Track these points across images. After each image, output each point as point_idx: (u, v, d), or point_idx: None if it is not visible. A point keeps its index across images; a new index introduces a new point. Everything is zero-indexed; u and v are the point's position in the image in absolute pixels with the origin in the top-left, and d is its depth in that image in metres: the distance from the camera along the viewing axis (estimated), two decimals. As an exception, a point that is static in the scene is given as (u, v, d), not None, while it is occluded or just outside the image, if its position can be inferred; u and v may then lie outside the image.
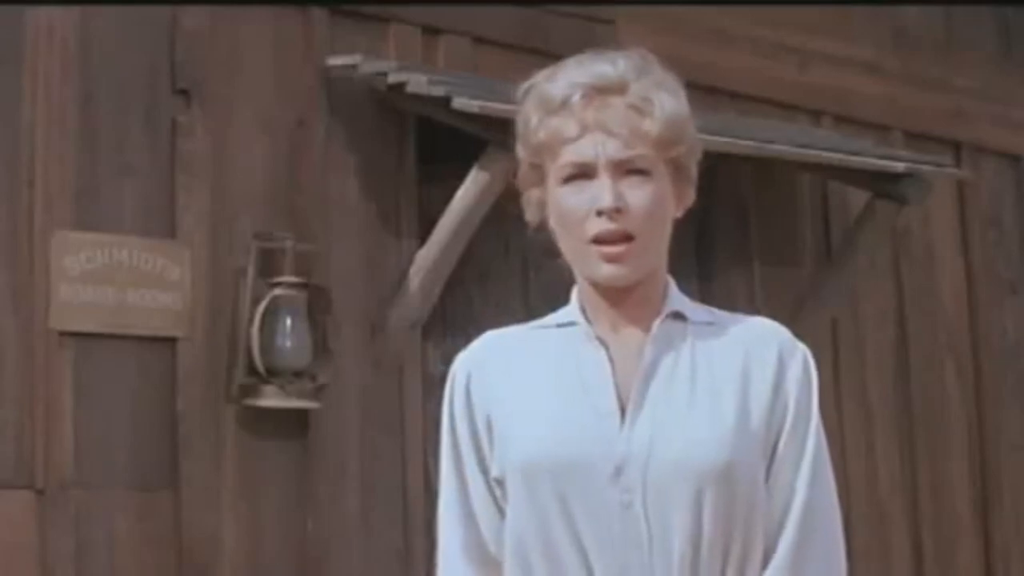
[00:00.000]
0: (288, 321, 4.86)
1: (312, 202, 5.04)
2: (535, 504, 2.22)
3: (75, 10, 4.67)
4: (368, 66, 5.04)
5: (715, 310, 2.36)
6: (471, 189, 4.97)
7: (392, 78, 4.96)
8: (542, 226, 2.31)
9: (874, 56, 6.57)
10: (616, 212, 2.20)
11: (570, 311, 2.33)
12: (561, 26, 5.55)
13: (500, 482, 2.29)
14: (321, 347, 4.93)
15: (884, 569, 6.21)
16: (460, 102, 4.75)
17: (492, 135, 4.83)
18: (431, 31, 5.36)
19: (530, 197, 2.31)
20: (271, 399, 4.81)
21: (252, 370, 4.79)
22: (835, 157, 5.73)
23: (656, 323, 2.26)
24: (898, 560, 6.30)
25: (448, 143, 5.02)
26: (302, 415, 4.92)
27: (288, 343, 4.85)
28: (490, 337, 2.40)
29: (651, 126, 2.22)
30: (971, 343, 6.75)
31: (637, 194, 2.22)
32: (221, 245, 4.85)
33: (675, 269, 2.34)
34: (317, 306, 4.94)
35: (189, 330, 4.75)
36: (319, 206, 5.05)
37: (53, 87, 4.61)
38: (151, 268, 4.71)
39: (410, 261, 5.14)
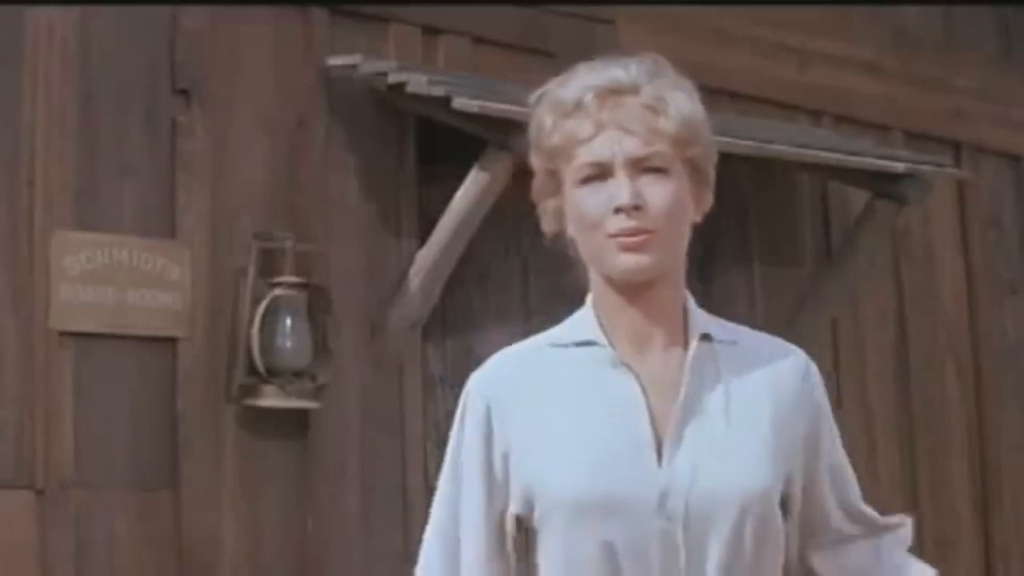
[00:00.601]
0: (288, 321, 4.86)
1: (312, 202, 5.04)
2: (571, 539, 2.18)
3: (75, 10, 4.67)
4: (368, 66, 5.04)
5: (729, 324, 2.34)
6: (471, 189, 4.96)
7: (392, 78, 4.96)
8: (559, 236, 2.27)
9: (874, 56, 6.57)
10: (635, 209, 2.17)
11: (586, 325, 2.28)
12: (561, 26, 5.56)
13: (521, 518, 2.24)
14: (321, 347, 4.93)
15: (884, 569, 6.20)
16: (460, 102, 4.75)
17: (492, 135, 4.84)
18: (431, 31, 5.36)
19: (546, 207, 2.28)
20: (271, 399, 4.81)
21: (252, 370, 4.79)
22: (835, 157, 5.72)
23: (691, 351, 2.24)
24: (898, 560, 6.29)
25: (448, 143, 5.02)
26: (302, 415, 4.92)
27: (288, 343, 4.85)
28: (507, 360, 2.32)
29: (667, 124, 2.19)
30: (971, 343, 6.75)
31: (656, 191, 2.19)
32: (221, 245, 4.85)
33: (675, 269, 2.32)
34: (317, 306, 4.94)
35: (189, 330, 4.75)
36: (319, 206, 5.05)
37: (53, 87, 4.61)
38: (151, 268, 4.71)
39: (410, 261, 5.13)
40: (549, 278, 5.39)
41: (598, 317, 2.27)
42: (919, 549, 2.45)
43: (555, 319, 2.42)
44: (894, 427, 6.41)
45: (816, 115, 6.39)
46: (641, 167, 2.19)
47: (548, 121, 2.23)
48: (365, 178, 5.16)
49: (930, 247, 6.70)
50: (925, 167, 5.94)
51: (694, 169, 2.24)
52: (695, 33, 5.85)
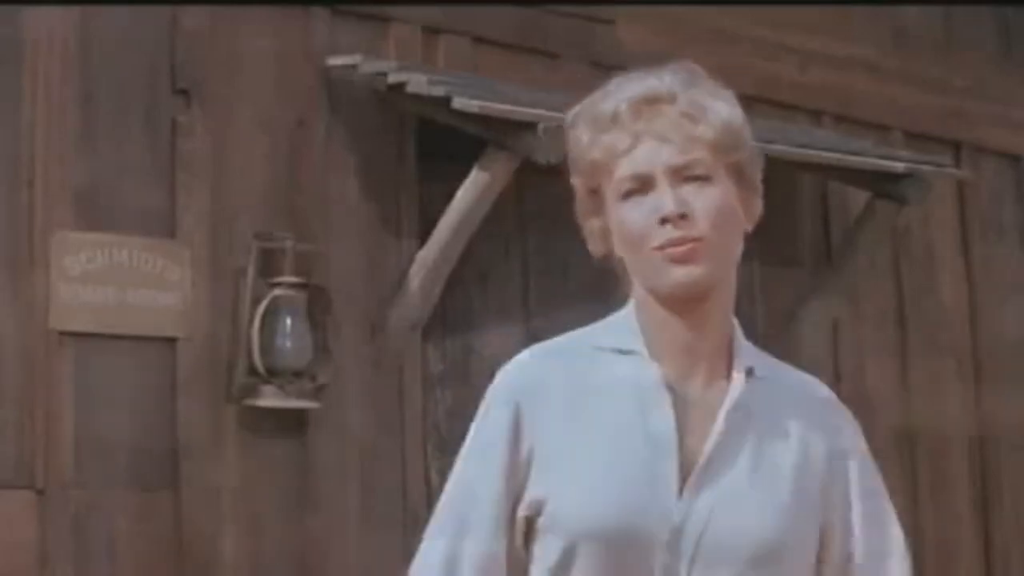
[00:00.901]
0: (288, 321, 4.86)
1: (312, 202, 5.04)
2: (572, 557, 2.13)
3: (75, 10, 4.67)
4: (368, 66, 5.04)
5: (767, 357, 2.28)
6: (471, 189, 4.97)
7: (392, 78, 4.97)
8: (608, 257, 2.21)
9: (874, 56, 6.56)
10: (681, 218, 2.11)
11: (628, 333, 2.21)
12: (561, 26, 5.55)
13: (530, 519, 2.18)
14: (321, 347, 4.93)
15: (884, 569, 6.20)
16: (460, 102, 4.75)
17: (492, 135, 4.84)
18: (431, 31, 5.36)
19: (592, 228, 2.22)
20: (271, 399, 4.81)
21: (252, 370, 4.79)
22: (835, 157, 5.73)
23: (735, 387, 2.18)
24: (898, 560, 6.28)
25: (448, 143, 5.02)
26: (302, 415, 4.92)
27: (288, 343, 4.85)
28: (542, 358, 2.25)
29: (705, 131, 2.14)
30: (971, 343, 6.75)
31: (700, 199, 2.13)
32: (221, 245, 4.85)
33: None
34: (317, 306, 4.94)
35: (189, 330, 4.75)
36: (319, 206, 5.05)
37: (53, 87, 4.61)
38: (151, 268, 4.71)
39: (410, 261, 5.13)
40: (549, 278, 5.39)
41: (641, 326, 2.20)
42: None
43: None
44: (894, 427, 6.41)
45: (816, 115, 6.39)
46: (682, 176, 2.14)
47: (585, 137, 2.18)
48: (365, 178, 5.16)
49: (930, 247, 6.70)
50: (925, 167, 5.95)
51: (739, 175, 2.18)
52: (695, 33, 5.84)
